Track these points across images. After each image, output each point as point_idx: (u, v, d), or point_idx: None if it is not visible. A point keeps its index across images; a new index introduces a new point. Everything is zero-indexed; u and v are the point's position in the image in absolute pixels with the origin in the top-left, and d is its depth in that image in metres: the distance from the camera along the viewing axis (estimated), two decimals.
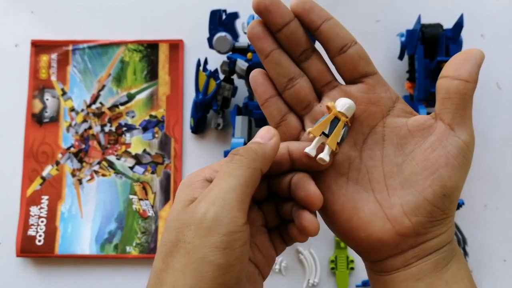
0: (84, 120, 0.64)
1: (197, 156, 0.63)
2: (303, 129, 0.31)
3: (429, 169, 0.27)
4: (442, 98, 0.28)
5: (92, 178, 0.63)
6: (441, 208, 0.27)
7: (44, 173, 0.63)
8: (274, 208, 0.31)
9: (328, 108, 0.29)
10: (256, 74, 0.31)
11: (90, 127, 0.64)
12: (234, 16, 0.58)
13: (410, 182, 0.28)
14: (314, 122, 0.30)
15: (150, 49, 0.64)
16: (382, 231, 0.28)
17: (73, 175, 0.63)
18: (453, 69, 0.27)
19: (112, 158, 0.63)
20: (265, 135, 0.28)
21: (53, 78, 0.65)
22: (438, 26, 0.58)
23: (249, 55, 0.56)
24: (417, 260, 0.28)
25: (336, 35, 0.29)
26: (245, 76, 0.56)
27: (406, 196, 0.28)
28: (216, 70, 0.60)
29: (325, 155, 0.28)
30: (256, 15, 0.60)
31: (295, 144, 0.29)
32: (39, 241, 0.61)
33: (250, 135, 0.59)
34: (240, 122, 0.58)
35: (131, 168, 0.62)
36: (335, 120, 0.29)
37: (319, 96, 0.31)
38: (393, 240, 0.28)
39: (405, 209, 0.28)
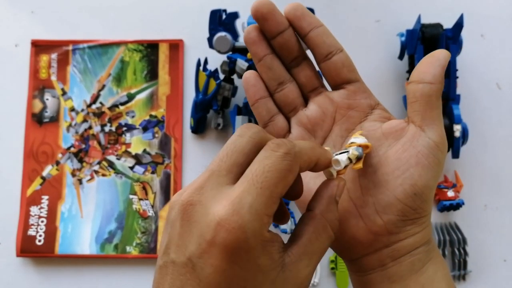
0: (84, 120, 0.64)
1: (197, 156, 0.63)
2: (289, 130, 0.33)
3: (400, 169, 0.28)
4: (411, 102, 0.29)
5: (92, 178, 0.63)
6: (412, 207, 0.28)
7: (44, 173, 0.63)
8: None
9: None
10: (248, 76, 0.32)
11: (90, 127, 0.64)
12: (234, 16, 0.58)
13: (382, 182, 0.29)
14: (299, 125, 0.32)
15: (150, 49, 0.64)
16: (355, 229, 0.29)
17: (73, 175, 0.63)
18: (418, 73, 0.29)
19: (112, 158, 0.63)
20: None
21: (53, 78, 0.65)
22: (438, 26, 0.58)
23: (249, 55, 0.56)
24: (392, 261, 0.29)
25: (322, 42, 0.31)
26: None
27: (378, 195, 0.28)
28: (216, 70, 0.60)
29: (334, 172, 0.28)
30: None
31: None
32: (39, 241, 0.61)
33: None
34: (240, 122, 0.58)
35: (131, 168, 0.62)
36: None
37: (306, 101, 0.33)
38: (366, 238, 0.29)
39: (377, 207, 0.28)
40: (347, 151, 0.28)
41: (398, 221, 0.28)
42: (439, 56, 0.28)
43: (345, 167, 0.28)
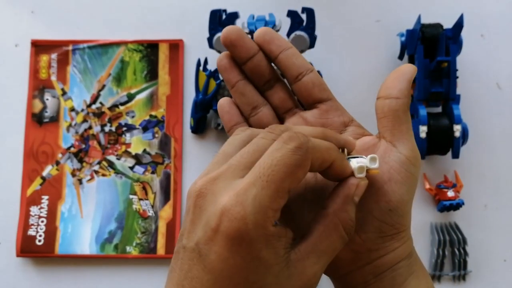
0: (84, 120, 0.64)
1: (197, 156, 0.63)
2: None
3: (374, 186, 0.28)
4: (379, 118, 0.29)
5: (92, 178, 0.63)
6: (389, 223, 0.28)
7: (44, 173, 0.63)
8: None
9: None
10: (222, 103, 0.33)
11: (90, 127, 0.64)
12: (234, 16, 0.58)
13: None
14: None
15: (150, 49, 0.64)
16: None
17: (73, 175, 0.63)
18: (385, 88, 0.29)
19: (112, 158, 0.63)
20: None
21: (53, 78, 0.65)
22: (438, 26, 0.58)
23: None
24: (373, 277, 0.29)
25: (292, 64, 0.31)
26: None
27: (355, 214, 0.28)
28: (216, 70, 0.60)
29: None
30: (256, 16, 0.60)
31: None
32: (39, 241, 0.61)
33: None
34: None
35: (131, 168, 0.63)
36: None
37: (282, 122, 0.33)
38: (346, 256, 0.28)
39: (355, 226, 0.28)
40: (361, 157, 0.28)
41: (376, 238, 0.28)
42: (405, 70, 0.29)
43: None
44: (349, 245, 0.28)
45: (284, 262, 0.24)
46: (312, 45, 0.56)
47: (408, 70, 0.29)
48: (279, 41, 0.32)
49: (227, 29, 0.31)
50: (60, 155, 0.63)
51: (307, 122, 0.32)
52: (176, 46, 0.64)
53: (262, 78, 0.32)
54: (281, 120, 0.33)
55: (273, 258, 0.23)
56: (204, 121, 0.62)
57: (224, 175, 0.24)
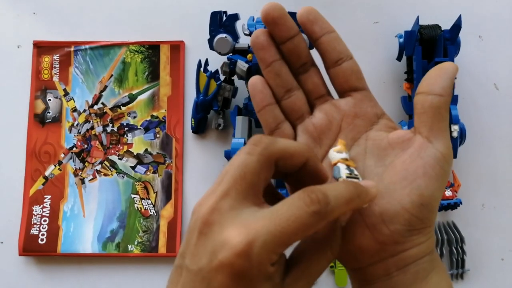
0: (86, 121, 0.64)
1: (198, 156, 0.63)
2: (295, 138, 0.32)
3: (408, 179, 0.28)
4: (419, 113, 0.29)
5: (94, 177, 0.63)
6: (419, 217, 0.28)
7: (47, 173, 0.63)
8: None
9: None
10: (255, 81, 0.31)
11: (92, 127, 0.64)
12: (235, 17, 0.58)
13: (389, 192, 0.28)
14: (305, 133, 0.32)
15: (151, 50, 0.65)
16: (361, 238, 0.29)
17: (76, 174, 0.63)
18: (427, 84, 0.29)
19: (114, 158, 0.63)
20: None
21: (55, 79, 0.65)
22: (436, 27, 0.58)
23: (249, 56, 0.57)
24: (397, 270, 0.29)
25: (333, 48, 0.31)
26: (245, 77, 0.57)
27: (385, 205, 0.28)
28: (216, 71, 0.60)
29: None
30: (256, 17, 0.61)
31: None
32: (42, 240, 0.61)
33: (250, 136, 0.60)
34: (240, 122, 0.58)
35: (133, 167, 0.63)
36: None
37: (312, 107, 0.32)
38: (372, 247, 0.28)
39: (384, 217, 0.28)
40: (356, 177, 0.29)
41: (405, 231, 0.28)
42: (449, 68, 0.28)
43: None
44: (375, 237, 0.28)
45: None
46: (311, 46, 0.57)
47: (451, 68, 0.28)
48: (323, 23, 0.31)
49: (269, 5, 0.29)
50: (62, 155, 0.64)
51: (340, 110, 0.31)
52: (177, 48, 0.65)
53: (299, 60, 0.31)
54: (311, 106, 0.32)
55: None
56: (204, 121, 0.63)
57: (227, 204, 0.24)
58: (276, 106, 0.32)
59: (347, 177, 0.28)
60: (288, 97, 0.32)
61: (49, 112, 0.65)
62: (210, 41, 0.58)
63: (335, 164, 0.30)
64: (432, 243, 0.29)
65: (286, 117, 0.32)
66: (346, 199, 0.25)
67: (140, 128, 0.64)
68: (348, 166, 0.29)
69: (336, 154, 0.30)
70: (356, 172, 0.29)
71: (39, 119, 0.64)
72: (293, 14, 0.57)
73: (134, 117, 0.64)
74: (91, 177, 0.63)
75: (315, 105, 0.32)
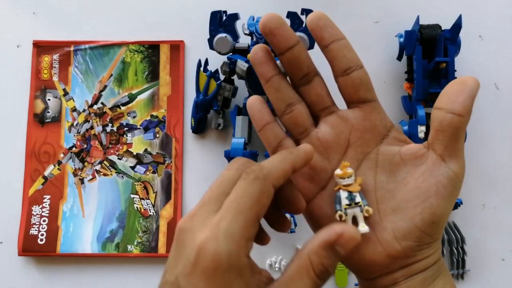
0: (86, 120, 0.64)
1: (198, 156, 0.63)
2: None
3: (420, 198, 0.28)
4: (436, 130, 0.28)
5: (93, 177, 0.63)
6: (429, 233, 0.28)
7: (46, 173, 0.63)
8: None
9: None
10: (253, 101, 0.31)
11: (91, 127, 0.64)
12: (234, 17, 0.58)
13: (401, 209, 0.29)
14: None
15: (151, 50, 0.65)
16: (374, 253, 0.29)
17: (75, 174, 0.63)
18: (447, 101, 0.27)
19: (113, 157, 0.63)
20: None
21: (55, 78, 0.65)
22: (437, 27, 0.58)
23: (249, 56, 0.57)
24: (405, 279, 0.29)
25: (343, 56, 0.30)
26: (245, 76, 0.57)
27: (397, 222, 0.29)
28: (216, 71, 0.60)
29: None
30: (256, 17, 0.61)
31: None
32: (41, 240, 0.61)
33: (250, 135, 0.60)
34: (240, 122, 0.58)
35: (133, 167, 0.63)
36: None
37: (316, 120, 0.32)
38: (383, 261, 0.29)
39: (396, 234, 0.28)
40: (358, 205, 0.29)
41: (415, 246, 0.28)
42: (471, 85, 0.27)
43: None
44: (387, 252, 0.29)
45: None
46: (311, 46, 0.57)
47: (474, 84, 0.27)
48: (333, 29, 0.29)
49: (267, 16, 0.29)
50: (62, 155, 0.64)
51: (347, 123, 0.31)
52: (177, 47, 0.65)
53: (300, 71, 0.30)
54: (315, 119, 0.32)
55: None
56: (204, 121, 0.63)
57: (200, 211, 0.26)
58: (275, 124, 0.31)
59: (346, 208, 0.29)
60: (289, 112, 0.31)
61: (49, 112, 0.64)
62: (210, 41, 0.58)
63: (337, 190, 0.30)
64: (439, 252, 0.30)
65: (290, 132, 0.32)
66: (279, 161, 0.27)
67: (139, 128, 0.64)
68: (350, 193, 0.29)
69: (338, 179, 0.30)
70: (358, 199, 0.29)
71: (38, 119, 0.64)
72: (293, 14, 0.55)
73: (134, 117, 0.64)
74: (90, 177, 0.63)
75: (320, 117, 0.31)
